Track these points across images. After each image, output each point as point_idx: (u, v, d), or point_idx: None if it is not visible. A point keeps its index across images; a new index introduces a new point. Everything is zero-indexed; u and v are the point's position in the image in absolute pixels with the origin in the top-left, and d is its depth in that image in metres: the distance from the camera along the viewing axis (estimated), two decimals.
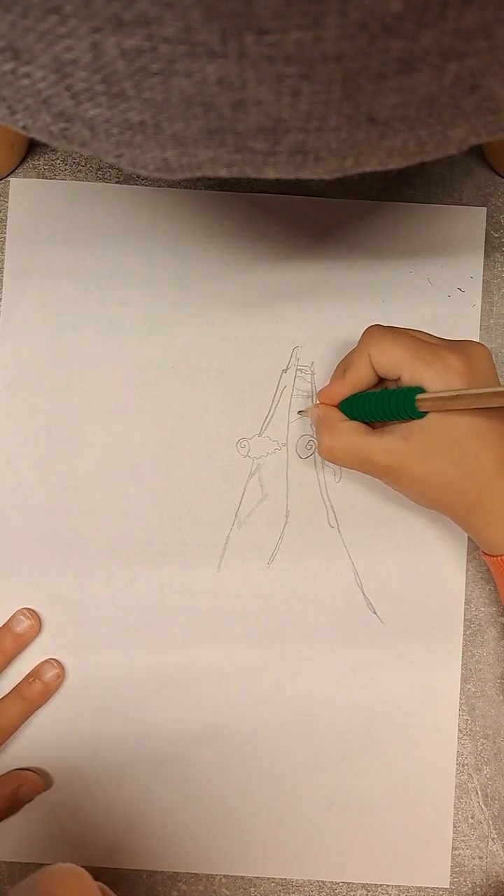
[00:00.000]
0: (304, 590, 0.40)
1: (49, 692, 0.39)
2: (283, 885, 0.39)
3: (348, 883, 0.39)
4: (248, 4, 0.13)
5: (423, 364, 0.32)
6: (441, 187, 0.42)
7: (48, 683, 0.38)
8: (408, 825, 0.39)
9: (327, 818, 0.39)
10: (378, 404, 0.33)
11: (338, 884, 0.39)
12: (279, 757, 0.39)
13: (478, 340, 0.41)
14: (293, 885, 0.39)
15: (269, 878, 0.39)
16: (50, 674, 0.39)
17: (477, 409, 0.31)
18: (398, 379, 0.33)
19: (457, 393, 0.31)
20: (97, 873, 0.38)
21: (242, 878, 0.39)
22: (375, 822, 0.39)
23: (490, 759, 0.39)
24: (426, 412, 0.32)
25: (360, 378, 0.35)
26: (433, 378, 0.32)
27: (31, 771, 0.38)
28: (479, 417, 0.32)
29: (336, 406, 0.36)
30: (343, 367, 0.36)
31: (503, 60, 0.15)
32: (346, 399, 0.36)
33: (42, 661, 0.39)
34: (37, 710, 0.39)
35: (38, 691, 0.38)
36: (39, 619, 0.39)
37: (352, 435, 0.34)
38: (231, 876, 0.39)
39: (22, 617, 0.39)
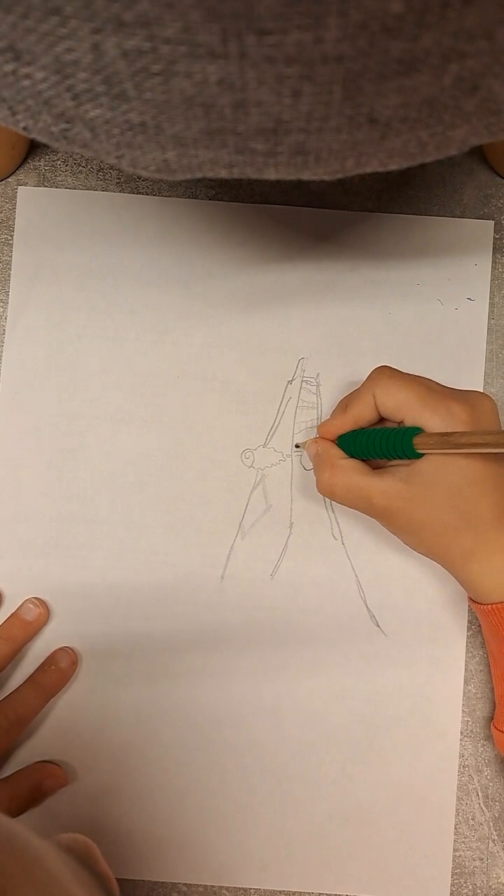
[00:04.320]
0: (307, 601, 0.40)
1: (65, 679, 0.39)
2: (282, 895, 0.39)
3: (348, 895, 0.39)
4: (249, 5, 0.13)
5: (429, 410, 0.32)
6: (442, 188, 0.42)
7: (64, 670, 0.39)
8: (408, 839, 0.39)
9: (328, 830, 0.39)
10: (377, 442, 0.33)
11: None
12: (280, 768, 0.39)
13: (483, 349, 0.41)
14: None
15: (268, 889, 0.39)
16: (65, 661, 0.39)
17: (478, 454, 0.31)
18: (401, 422, 0.33)
19: (455, 433, 0.30)
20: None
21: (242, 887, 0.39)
22: (376, 835, 0.39)
23: (491, 760, 0.39)
24: (423, 454, 0.31)
25: (361, 415, 0.34)
26: (437, 425, 0.31)
27: (54, 764, 0.39)
28: (479, 463, 0.31)
29: (334, 441, 0.36)
30: (346, 403, 0.36)
31: None
32: (346, 435, 0.35)
33: (56, 648, 0.39)
34: (53, 697, 0.39)
35: (53, 679, 0.38)
36: (48, 607, 0.39)
37: (351, 474, 0.34)
38: (231, 886, 0.39)
39: (31, 605, 0.39)
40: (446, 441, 0.30)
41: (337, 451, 0.35)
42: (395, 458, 0.33)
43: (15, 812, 0.37)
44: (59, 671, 0.38)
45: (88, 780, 0.39)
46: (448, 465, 0.31)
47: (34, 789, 0.37)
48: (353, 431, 0.35)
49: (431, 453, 0.31)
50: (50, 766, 0.38)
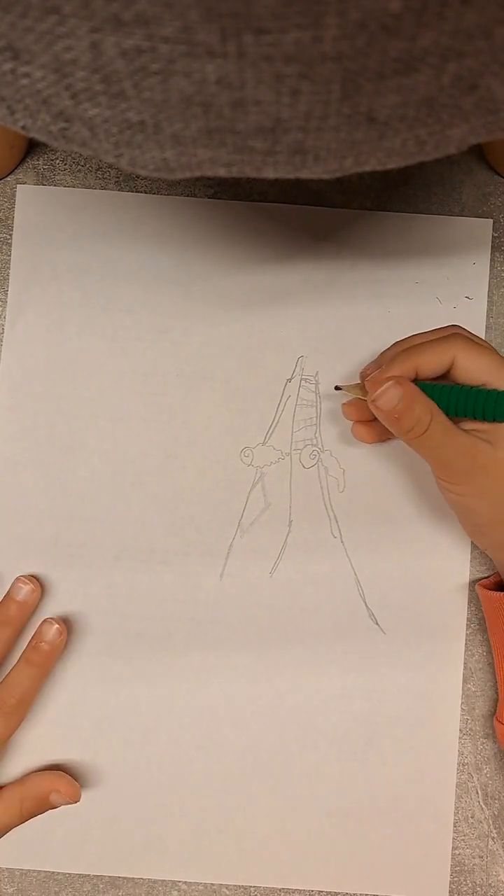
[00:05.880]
0: (305, 599, 0.40)
1: (56, 652, 0.38)
2: (282, 894, 0.39)
3: (347, 893, 0.39)
4: (247, 4, 0.13)
5: None
6: (440, 187, 0.42)
7: (53, 643, 0.38)
8: (408, 837, 0.39)
9: (327, 828, 0.39)
10: (462, 400, 0.32)
11: (336, 894, 0.39)
12: (279, 766, 0.39)
13: None
14: (292, 894, 0.39)
15: (268, 887, 0.39)
16: (51, 633, 0.38)
17: None
18: (481, 385, 0.33)
19: None
20: (95, 880, 0.38)
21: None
22: (375, 833, 0.39)
23: (490, 758, 0.39)
24: None
25: (427, 367, 0.33)
26: None
27: (68, 777, 0.38)
28: None
29: None
30: (406, 351, 0.34)
31: (502, 60, 0.15)
32: (422, 386, 0.33)
33: (40, 622, 0.38)
34: (48, 673, 0.38)
35: (44, 654, 0.37)
36: (40, 583, 0.39)
37: (444, 417, 0.32)
38: (230, 884, 0.39)
39: (21, 584, 0.38)
40: None
41: None
42: (474, 420, 0.32)
43: (25, 816, 0.37)
44: (48, 644, 0.37)
45: (88, 778, 0.39)
46: None
47: (42, 798, 0.37)
48: (430, 385, 0.33)
49: None
50: (64, 781, 0.37)
